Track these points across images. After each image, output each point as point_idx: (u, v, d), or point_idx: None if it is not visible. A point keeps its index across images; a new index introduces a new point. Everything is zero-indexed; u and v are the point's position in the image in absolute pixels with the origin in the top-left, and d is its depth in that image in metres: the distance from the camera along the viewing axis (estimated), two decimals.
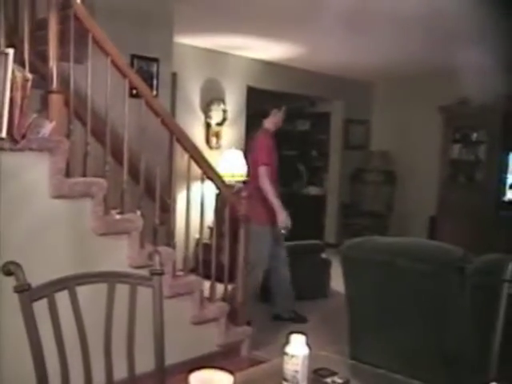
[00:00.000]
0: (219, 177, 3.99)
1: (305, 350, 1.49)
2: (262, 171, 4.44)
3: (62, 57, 3.07)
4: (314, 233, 7.30)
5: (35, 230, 2.91)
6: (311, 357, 1.52)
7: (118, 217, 3.33)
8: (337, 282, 4.91)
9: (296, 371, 1.48)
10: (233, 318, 4.09)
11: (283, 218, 4.43)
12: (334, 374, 1.65)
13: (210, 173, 3.86)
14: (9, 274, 1.57)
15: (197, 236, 4.81)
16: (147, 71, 4.50)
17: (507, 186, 7.19)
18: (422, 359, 2.94)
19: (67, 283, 1.69)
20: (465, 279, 2.80)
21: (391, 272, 3.09)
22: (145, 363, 1.96)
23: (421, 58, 6.57)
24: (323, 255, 5.94)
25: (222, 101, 6.73)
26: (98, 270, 1.86)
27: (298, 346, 1.49)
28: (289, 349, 1.49)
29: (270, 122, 4.78)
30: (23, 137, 2.78)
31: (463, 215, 7.17)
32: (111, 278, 1.76)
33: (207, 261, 3.92)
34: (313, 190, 9.03)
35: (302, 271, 5.27)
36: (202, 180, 3.87)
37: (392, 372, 1.76)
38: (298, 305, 5.00)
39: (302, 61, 7.13)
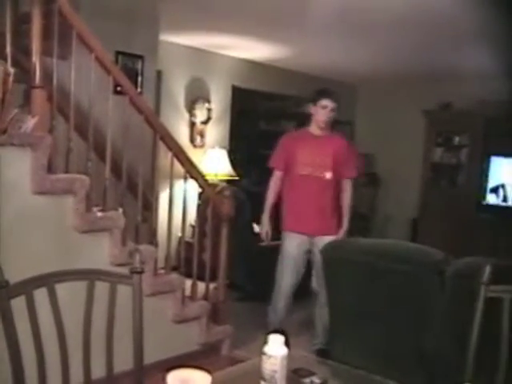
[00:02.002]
0: (202, 175, 3.98)
1: (283, 351, 1.49)
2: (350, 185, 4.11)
3: (46, 52, 3.05)
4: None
5: (15, 226, 2.89)
6: (290, 357, 1.52)
7: (99, 214, 3.31)
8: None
9: (274, 371, 1.48)
10: (214, 316, 4.09)
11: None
12: (312, 374, 1.66)
13: (192, 171, 3.86)
14: None
15: (179, 234, 4.81)
16: (132, 68, 4.48)
17: (488, 190, 7.27)
18: (400, 360, 2.96)
19: (46, 280, 1.68)
20: (444, 281, 2.82)
21: (371, 273, 3.11)
22: (123, 362, 1.95)
23: (405, 62, 6.61)
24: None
25: (207, 100, 6.71)
26: (79, 267, 1.85)
27: (276, 347, 1.49)
28: (267, 349, 1.49)
29: None
30: (4, 132, 2.75)
31: (444, 218, 7.24)
32: (91, 276, 1.75)
33: (189, 259, 3.92)
34: None
35: None
36: (185, 178, 3.86)
37: (370, 372, 1.77)
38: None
39: (287, 61, 7.14)
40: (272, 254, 4.89)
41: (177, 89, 6.41)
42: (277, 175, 4.11)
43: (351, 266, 3.19)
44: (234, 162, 6.48)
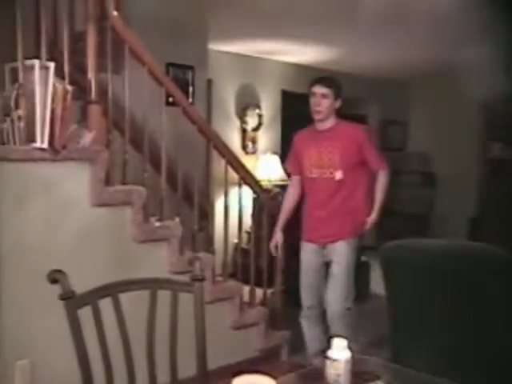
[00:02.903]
0: (256, 181, 4.00)
1: (347, 354, 1.49)
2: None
3: (100, 68, 3.13)
4: None
5: (77, 238, 2.97)
6: (353, 361, 1.51)
7: (157, 224, 3.37)
8: (376, 284, 4.87)
9: (338, 375, 1.47)
10: (272, 322, 4.09)
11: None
12: (377, 377, 1.64)
13: (247, 178, 3.88)
14: (54, 281, 1.61)
15: (235, 241, 4.84)
16: (182, 79, 4.55)
17: None
18: (469, 362, 2.89)
19: (110, 290, 1.73)
20: (509, 280, 2.74)
21: (432, 274, 3.05)
22: (187, 368, 1.97)
23: (458, 56, 6.47)
24: (362, 258, 5.89)
25: (257, 106, 6.75)
26: (138, 276, 1.89)
27: (339, 350, 1.48)
28: (331, 353, 1.49)
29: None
30: (64, 147, 2.84)
31: (505, 215, 7.02)
32: (153, 285, 1.78)
33: (246, 265, 3.94)
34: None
35: None
36: (240, 185, 3.89)
37: (437, 376, 1.73)
38: None
39: (336, 63, 7.10)
40: None
41: (227, 96, 6.46)
42: (293, 180, 3.76)
43: (411, 267, 3.13)
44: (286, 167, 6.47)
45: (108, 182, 3.11)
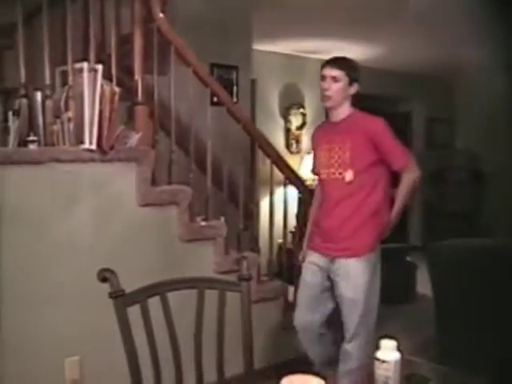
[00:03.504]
0: (301, 181, 3.99)
1: (396, 356, 1.47)
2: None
3: (146, 69, 3.18)
4: (397, 235, 7.15)
5: (124, 238, 3.02)
6: (402, 362, 1.49)
7: (202, 223, 3.39)
8: (423, 285, 4.79)
9: (388, 377, 1.45)
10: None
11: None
12: (427, 380, 1.61)
13: (292, 177, 3.87)
14: (104, 280, 1.64)
15: (279, 241, 4.84)
16: (227, 79, 4.57)
17: None
18: None
19: (159, 289, 1.75)
20: None
21: (482, 274, 2.99)
22: (234, 367, 1.98)
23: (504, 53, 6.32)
24: (408, 258, 5.82)
25: (301, 105, 6.73)
26: (184, 275, 1.91)
27: (388, 351, 1.46)
28: (380, 354, 1.47)
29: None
30: (112, 148, 2.89)
31: None
32: (200, 284, 1.80)
33: (291, 266, 3.92)
34: (395, 192, 8.84)
35: (386, 275, 5.17)
36: (285, 184, 3.88)
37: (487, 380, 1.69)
38: (383, 310, 4.91)
39: (380, 61, 7.03)
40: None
41: (271, 96, 6.47)
42: (318, 182, 3.23)
43: (460, 268, 3.08)
44: None
45: (154, 181, 3.15)
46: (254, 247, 3.74)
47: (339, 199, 2.94)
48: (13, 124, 2.76)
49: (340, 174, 2.91)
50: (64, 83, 2.96)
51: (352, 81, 2.94)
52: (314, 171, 3.20)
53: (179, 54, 3.25)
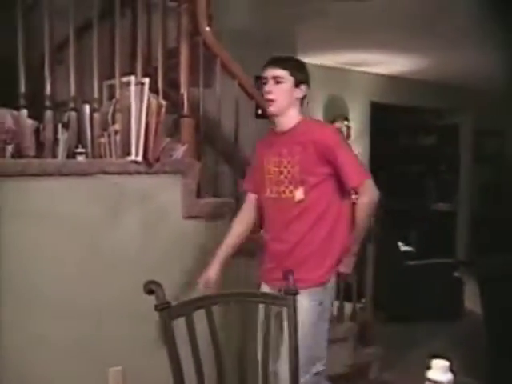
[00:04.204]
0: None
1: (449, 376, 1.41)
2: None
3: (192, 82, 3.20)
4: (444, 250, 7.03)
5: (169, 250, 3.03)
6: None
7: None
8: (471, 301, 4.68)
9: None
10: (361, 338, 4.00)
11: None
12: None
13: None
14: (150, 292, 1.63)
15: None
16: None
17: None
18: None
19: (204, 302, 1.74)
20: None
21: None
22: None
23: None
24: (455, 274, 5.69)
25: (346, 118, 6.69)
26: (228, 289, 1.90)
27: (441, 372, 1.41)
28: (431, 374, 1.42)
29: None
30: (157, 160, 2.92)
31: None
32: (246, 298, 1.78)
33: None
34: (442, 206, 8.70)
35: (433, 291, 5.08)
36: None
37: None
38: (428, 327, 4.81)
39: (426, 73, 6.94)
40: (419, 273, 4.74)
41: (315, 109, 6.44)
42: (247, 200, 2.81)
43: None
44: (375, 180, 6.38)
45: (199, 194, 3.16)
46: None
47: (289, 221, 2.52)
48: (62, 136, 2.82)
49: (290, 192, 2.49)
50: (111, 96, 3.01)
51: (299, 82, 2.53)
52: (249, 189, 2.79)
53: (225, 66, 3.27)
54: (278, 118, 2.55)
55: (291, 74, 2.51)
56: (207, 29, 3.17)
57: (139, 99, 2.81)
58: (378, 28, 4.94)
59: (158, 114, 2.86)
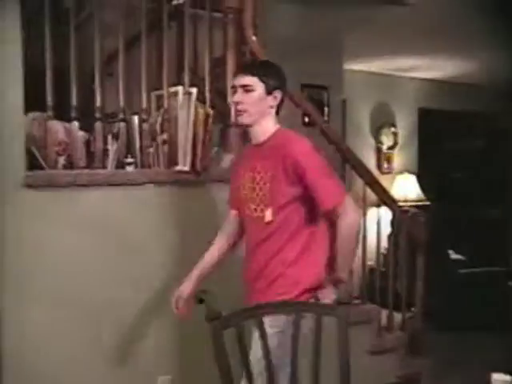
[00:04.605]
0: (395, 202, 3.88)
1: None
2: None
3: None
4: (497, 259, 6.83)
5: (231, 258, 3.03)
6: None
7: None
8: None
9: None
10: (411, 348, 3.92)
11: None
12: None
13: (385, 198, 3.77)
14: (201, 301, 1.64)
15: (370, 263, 4.73)
16: (317, 100, 4.55)
17: None
18: None
19: (255, 312, 1.73)
20: None
21: None
22: None
23: None
24: (510, 283, 5.53)
25: (393, 124, 6.61)
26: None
27: None
28: None
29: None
30: (205, 169, 2.93)
31: None
32: (296, 308, 1.77)
33: (383, 289, 3.82)
34: (492, 213, 8.46)
35: (485, 300, 4.95)
36: (378, 206, 3.80)
37: None
38: (481, 337, 4.68)
39: (476, 76, 6.78)
40: (471, 282, 4.62)
41: (361, 116, 6.39)
42: (228, 216, 2.58)
43: None
44: (423, 186, 6.28)
45: None
46: None
47: (257, 243, 2.30)
48: (111, 147, 2.87)
49: (261, 211, 2.25)
50: (159, 107, 3.04)
51: (271, 89, 2.27)
52: (230, 204, 2.56)
53: None
54: (251, 129, 2.32)
55: (262, 81, 2.25)
56: (253, 38, 3.17)
57: (187, 109, 2.84)
58: (424, 33, 4.86)
59: (206, 123, 2.88)
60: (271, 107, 2.29)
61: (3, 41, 2.59)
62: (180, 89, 2.89)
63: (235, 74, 2.37)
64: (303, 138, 2.27)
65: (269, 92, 2.26)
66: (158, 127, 2.93)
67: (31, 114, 2.74)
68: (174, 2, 3.50)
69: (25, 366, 2.58)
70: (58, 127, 2.78)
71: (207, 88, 3.12)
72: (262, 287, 2.23)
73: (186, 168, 2.87)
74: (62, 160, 2.78)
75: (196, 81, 3.23)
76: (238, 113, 2.28)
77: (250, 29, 3.15)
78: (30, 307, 2.60)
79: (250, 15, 3.15)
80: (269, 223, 2.21)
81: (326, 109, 4.64)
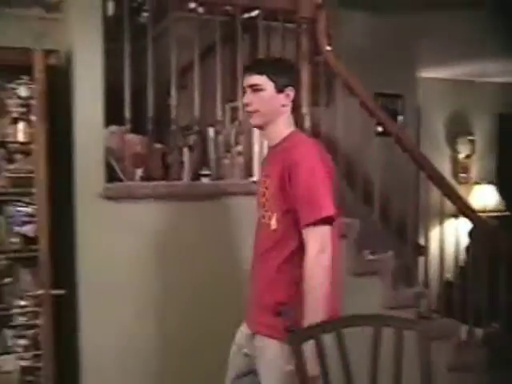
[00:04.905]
0: (474, 212, 3.75)
1: None
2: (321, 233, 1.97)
3: (311, 102, 3.21)
4: None
5: None
6: None
7: (370, 257, 3.32)
8: None
9: None
10: (493, 365, 3.77)
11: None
12: None
13: (464, 208, 3.65)
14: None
15: (447, 276, 4.59)
16: (391, 108, 4.47)
17: None
18: None
19: (334, 325, 1.70)
20: None
21: None
22: None
23: None
24: None
25: (470, 132, 6.41)
26: (353, 310, 1.86)
27: None
28: None
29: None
30: None
31: None
32: (377, 321, 1.72)
33: (462, 303, 3.69)
34: None
35: None
36: (456, 217, 3.67)
37: None
38: None
39: None
40: None
41: (436, 124, 6.24)
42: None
43: None
44: (504, 196, 6.06)
45: None
46: (424, 283, 3.56)
47: (263, 251, 2.14)
48: (187, 159, 2.91)
49: (269, 218, 2.10)
50: (233, 119, 3.07)
51: (282, 87, 2.10)
52: None
53: (346, 85, 3.24)
54: (265, 131, 2.18)
55: (270, 79, 2.08)
56: (328, 48, 3.16)
57: None
58: (496, 35, 4.70)
59: None
60: (284, 106, 2.12)
61: (84, 56, 2.69)
62: None
63: (246, 71, 2.20)
64: (310, 142, 2.15)
65: (280, 90, 2.09)
66: (232, 139, 2.95)
67: (110, 128, 2.82)
68: (246, 15, 3.53)
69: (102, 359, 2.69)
70: (135, 140, 2.85)
71: None
72: (265, 299, 2.06)
73: (254, 179, 2.88)
74: (139, 172, 2.84)
75: None
76: (249, 114, 2.15)
77: (324, 39, 3.15)
78: (102, 303, 2.71)
79: (324, 25, 3.14)
80: (274, 231, 2.07)
81: (400, 118, 4.55)
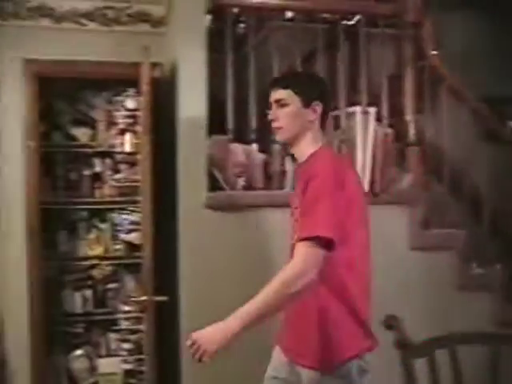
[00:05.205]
0: None
1: None
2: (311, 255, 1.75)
3: (415, 109, 3.12)
4: None
5: (396, 283, 2.92)
6: None
7: (477, 270, 3.16)
8: None
9: None
10: None
11: None
12: None
13: None
14: (389, 328, 1.56)
15: None
16: (502, 113, 4.26)
17: None
18: None
19: (447, 341, 1.61)
20: None
21: None
22: None
23: None
24: None
25: None
26: (459, 325, 1.79)
27: None
28: None
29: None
30: (384, 190, 2.86)
31: None
32: (493, 340, 1.62)
33: None
34: None
35: None
36: None
37: None
38: None
39: None
40: None
41: None
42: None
43: None
44: None
45: (427, 225, 3.04)
46: None
47: None
48: (289, 168, 2.89)
49: (297, 239, 1.85)
50: (336, 127, 3.02)
51: (309, 101, 1.98)
52: None
53: (453, 91, 3.12)
54: (293, 147, 2.05)
55: (296, 93, 1.98)
56: (434, 52, 3.06)
57: (364, 129, 2.79)
58: None
59: (385, 143, 2.81)
60: (311, 122, 1.99)
61: (188, 68, 2.75)
62: (358, 109, 2.85)
63: (272, 86, 2.06)
64: (334, 158, 1.98)
65: (306, 105, 1.98)
66: (335, 148, 2.91)
67: (213, 137, 2.85)
68: (345, 22, 3.48)
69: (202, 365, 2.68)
70: (238, 150, 2.87)
71: (385, 107, 3.04)
72: (299, 324, 1.95)
73: (365, 189, 2.81)
74: (241, 181, 2.86)
75: (369, 99, 3.18)
76: (275, 130, 2.03)
77: (430, 44, 3.05)
78: (203, 310, 2.71)
79: (430, 30, 3.04)
80: None
81: (510, 122, 4.32)
